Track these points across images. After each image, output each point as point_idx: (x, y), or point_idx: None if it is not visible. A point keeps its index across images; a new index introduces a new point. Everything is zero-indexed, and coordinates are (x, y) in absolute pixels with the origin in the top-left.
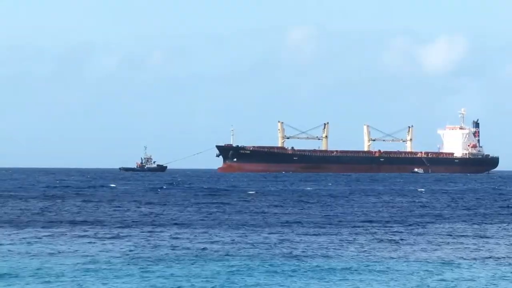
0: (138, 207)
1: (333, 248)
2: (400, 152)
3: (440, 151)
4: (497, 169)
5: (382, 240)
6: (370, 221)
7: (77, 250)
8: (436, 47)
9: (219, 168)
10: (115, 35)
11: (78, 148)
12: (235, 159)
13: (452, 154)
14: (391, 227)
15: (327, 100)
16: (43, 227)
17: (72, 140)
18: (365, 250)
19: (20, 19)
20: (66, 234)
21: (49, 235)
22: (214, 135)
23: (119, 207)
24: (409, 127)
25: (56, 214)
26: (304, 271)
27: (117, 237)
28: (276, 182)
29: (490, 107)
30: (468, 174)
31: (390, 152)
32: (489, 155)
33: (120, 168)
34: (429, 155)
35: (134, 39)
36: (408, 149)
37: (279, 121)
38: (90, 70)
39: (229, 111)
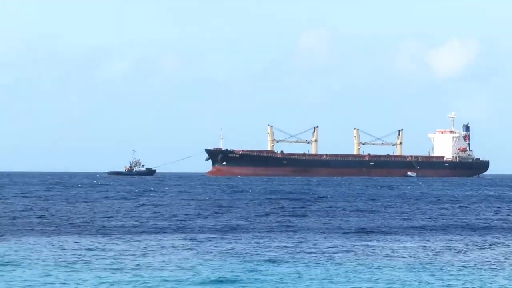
0: None
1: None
2: (390, 156)
3: (430, 154)
4: (487, 172)
5: None
6: None
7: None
8: (442, 51)
9: (208, 172)
10: (125, 40)
11: (75, 153)
12: (224, 163)
13: (442, 157)
14: None
15: (318, 103)
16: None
17: (73, 144)
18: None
19: (33, 22)
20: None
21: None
22: (206, 138)
23: None
24: (399, 130)
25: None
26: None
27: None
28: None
29: (489, 110)
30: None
31: (380, 156)
32: (479, 158)
33: (108, 172)
34: (419, 159)
35: (144, 44)
36: (398, 153)
37: (268, 125)
38: (100, 74)
39: (220, 114)
